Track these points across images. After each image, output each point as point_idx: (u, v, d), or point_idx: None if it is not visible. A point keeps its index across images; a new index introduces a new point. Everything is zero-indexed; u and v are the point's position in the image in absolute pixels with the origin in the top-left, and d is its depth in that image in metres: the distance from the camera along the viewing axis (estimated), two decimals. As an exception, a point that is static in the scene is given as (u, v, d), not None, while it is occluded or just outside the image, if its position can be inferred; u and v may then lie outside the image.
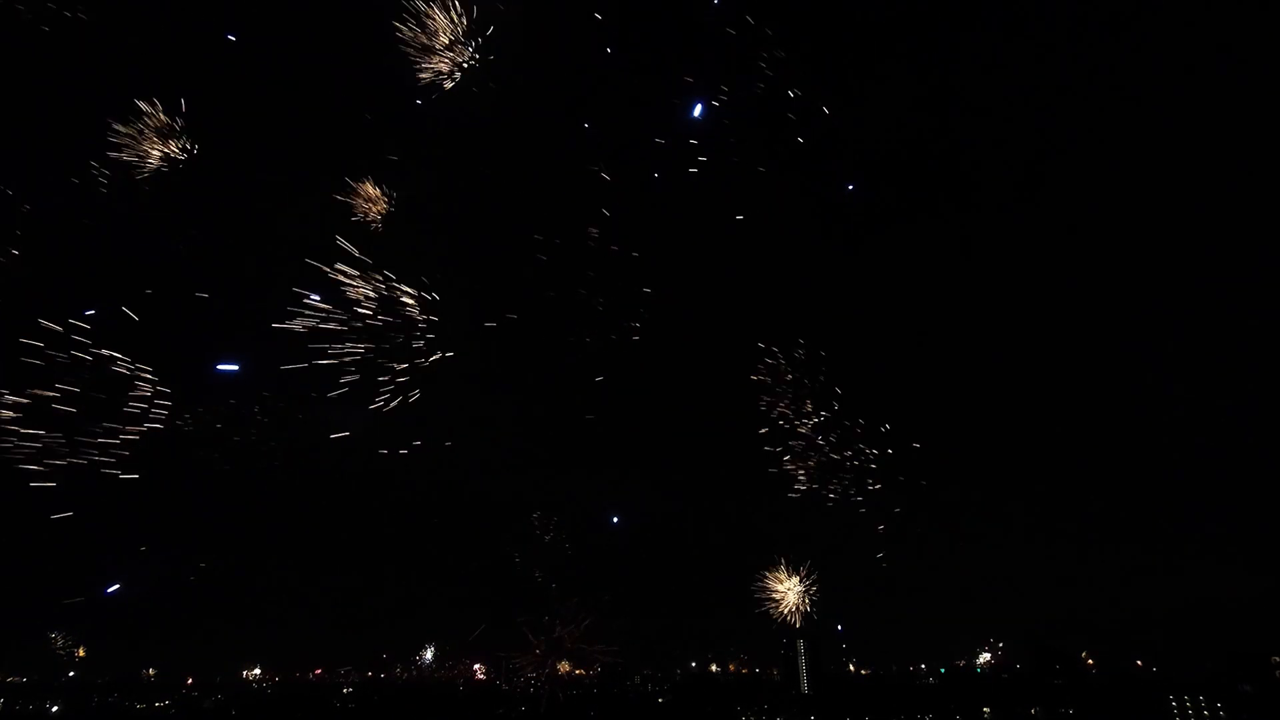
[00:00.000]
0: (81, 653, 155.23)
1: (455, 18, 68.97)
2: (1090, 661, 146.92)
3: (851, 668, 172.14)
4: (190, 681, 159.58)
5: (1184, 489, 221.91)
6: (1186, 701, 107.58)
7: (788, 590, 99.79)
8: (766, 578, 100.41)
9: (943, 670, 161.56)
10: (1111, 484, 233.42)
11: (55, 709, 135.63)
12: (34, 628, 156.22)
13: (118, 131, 66.80)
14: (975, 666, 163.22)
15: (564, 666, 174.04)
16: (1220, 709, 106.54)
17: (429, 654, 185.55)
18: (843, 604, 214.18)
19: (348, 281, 67.48)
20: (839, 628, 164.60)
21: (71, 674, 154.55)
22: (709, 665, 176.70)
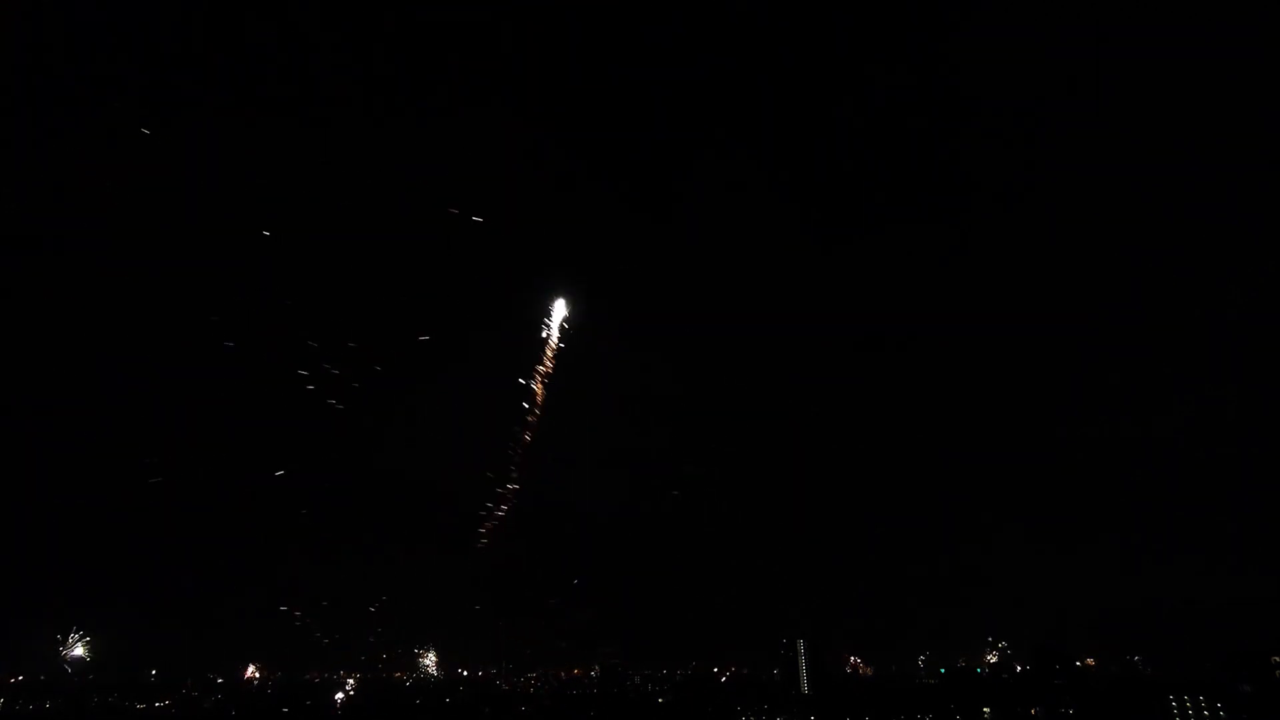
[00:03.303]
0: (81, 651, 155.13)
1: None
2: (1090, 661, 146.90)
3: (851, 665, 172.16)
4: (190, 681, 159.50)
5: (1184, 490, 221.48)
6: (1186, 701, 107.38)
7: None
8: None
9: (943, 670, 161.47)
10: (1112, 485, 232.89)
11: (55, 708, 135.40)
12: (35, 627, 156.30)
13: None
14: (976, 667, 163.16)
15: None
16: (1220, 709, 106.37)
17: (430, 658, 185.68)
18: (845, 605, 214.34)
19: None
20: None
21: (70, 673, 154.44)
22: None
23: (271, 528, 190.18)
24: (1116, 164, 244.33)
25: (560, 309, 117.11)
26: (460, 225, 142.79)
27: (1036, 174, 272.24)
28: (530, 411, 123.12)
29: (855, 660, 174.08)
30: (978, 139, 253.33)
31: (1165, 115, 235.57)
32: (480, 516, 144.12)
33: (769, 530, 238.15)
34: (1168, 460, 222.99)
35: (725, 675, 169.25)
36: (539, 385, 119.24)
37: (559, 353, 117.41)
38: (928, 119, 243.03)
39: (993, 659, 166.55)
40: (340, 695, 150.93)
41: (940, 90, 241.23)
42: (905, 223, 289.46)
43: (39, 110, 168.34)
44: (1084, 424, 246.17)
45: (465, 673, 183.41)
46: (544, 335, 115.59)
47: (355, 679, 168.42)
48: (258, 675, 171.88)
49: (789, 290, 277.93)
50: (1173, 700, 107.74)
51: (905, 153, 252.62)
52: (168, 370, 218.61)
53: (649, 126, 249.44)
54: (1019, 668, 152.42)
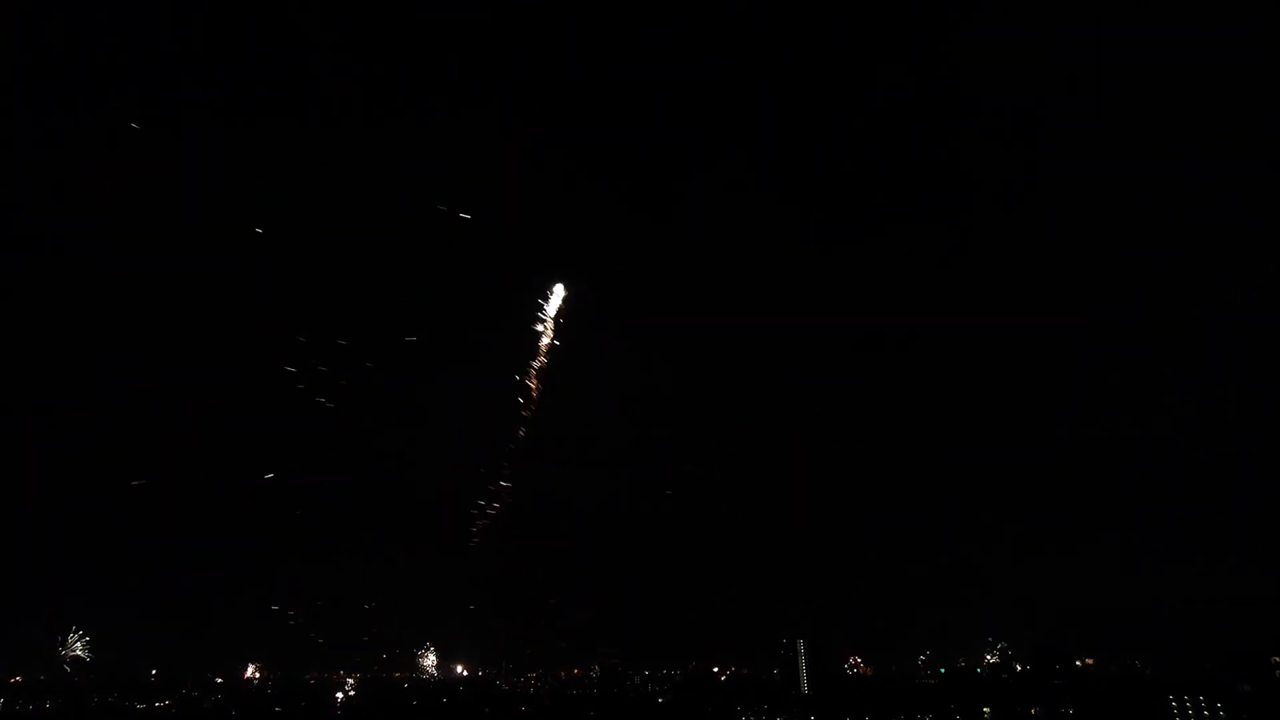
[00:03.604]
0: (81, 651, 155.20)
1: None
2: (1090, 661, 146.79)
3: (851, 665, 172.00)
4: (190, 681, 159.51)
5: (1184, 490, 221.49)
6: (1186, 701, 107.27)
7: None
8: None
9: (943, 670, 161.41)
10: (1112, 485, 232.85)
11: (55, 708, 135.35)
12: (35, 627, 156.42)
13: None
14: (976, 667, 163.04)
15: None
16: (1220, 709, 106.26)
17: (430, 658, 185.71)
18: (845, 605, 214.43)
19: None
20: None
21: (70, 673, 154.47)
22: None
23: (272, 527, 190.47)
24: (1116, 164, 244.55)
25: (559, 293, 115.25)
26: (461, 225, 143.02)
27: (1036, 174, 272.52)
28: (527, 407, 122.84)
29: (855, 660, 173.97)
30: (978, 139, 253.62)
31: (1165, 115, 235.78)
32: (472, 515, 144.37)
33: (769, 530, 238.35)
34: (1168, 460, 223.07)
35: (725, 675, 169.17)
36: (535, 382, 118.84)
37: (558, 351, 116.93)
38: (928, 119, 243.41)
39: (993, 659, 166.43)
40: (340, 695, 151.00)
41: (940, 90, 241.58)
42: (905, 223, 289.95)
43: (39, 110, 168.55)
44: (1084, 424, 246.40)
45: (465, 673, 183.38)
46: (540, 321, 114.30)
47: (355, 679, 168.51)
48: (257, 675, 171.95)
49: (789, 290, 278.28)
50: (1173, 700, 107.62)
51: (905, 153, 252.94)
52: (167, 370, 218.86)
53: (649, 126, 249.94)
54: (1019, 668, 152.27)
